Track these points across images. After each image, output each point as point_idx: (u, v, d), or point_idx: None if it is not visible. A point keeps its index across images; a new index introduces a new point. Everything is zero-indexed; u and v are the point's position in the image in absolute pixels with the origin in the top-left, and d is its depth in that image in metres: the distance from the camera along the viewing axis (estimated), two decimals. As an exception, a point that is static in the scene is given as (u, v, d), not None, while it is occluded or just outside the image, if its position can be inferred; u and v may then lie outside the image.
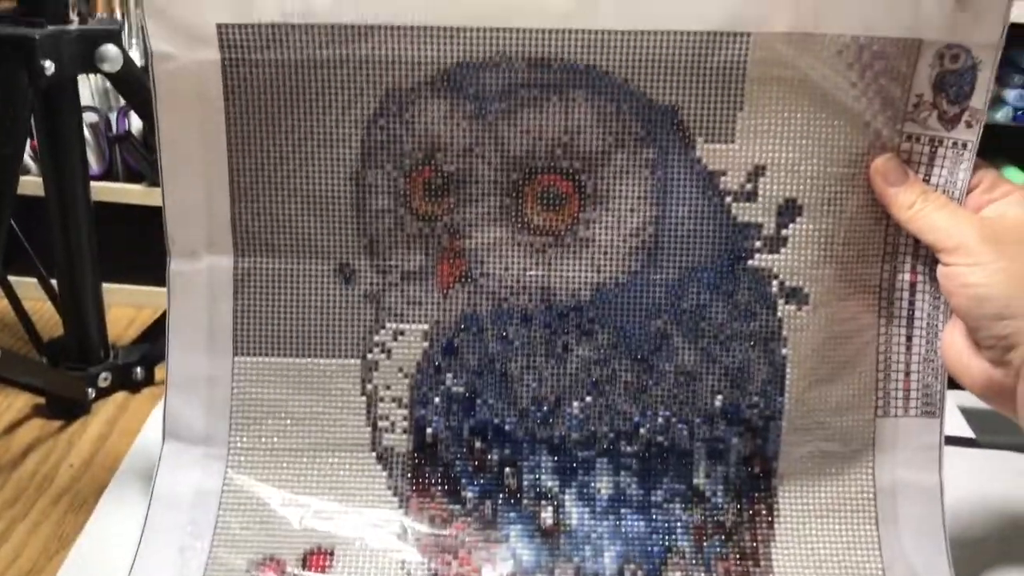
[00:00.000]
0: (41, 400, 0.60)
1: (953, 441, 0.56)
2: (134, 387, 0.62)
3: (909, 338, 0.46)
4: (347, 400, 0.46)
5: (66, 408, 0.59)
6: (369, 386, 0.47)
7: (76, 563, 0.46)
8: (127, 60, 0.56)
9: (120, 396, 0.62)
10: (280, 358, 0.46)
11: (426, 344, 0.47)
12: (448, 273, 0.46)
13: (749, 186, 0.44)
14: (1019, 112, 1.05)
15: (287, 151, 0.45)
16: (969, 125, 0.43)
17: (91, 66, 0.55)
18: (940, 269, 0.42)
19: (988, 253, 0.39)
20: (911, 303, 0.46)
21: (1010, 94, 1.04)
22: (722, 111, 0.44)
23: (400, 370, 0.47)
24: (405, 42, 0.43)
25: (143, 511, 0.45)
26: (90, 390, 0.60)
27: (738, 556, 0.45)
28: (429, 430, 0.47)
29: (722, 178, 0.44)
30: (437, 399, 0.47)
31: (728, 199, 0.45)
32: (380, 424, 0.46)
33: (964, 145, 0.43)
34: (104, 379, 0.61)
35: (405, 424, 0.46)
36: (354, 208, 0.45)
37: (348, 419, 0.46)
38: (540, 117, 0.44)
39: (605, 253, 0.45)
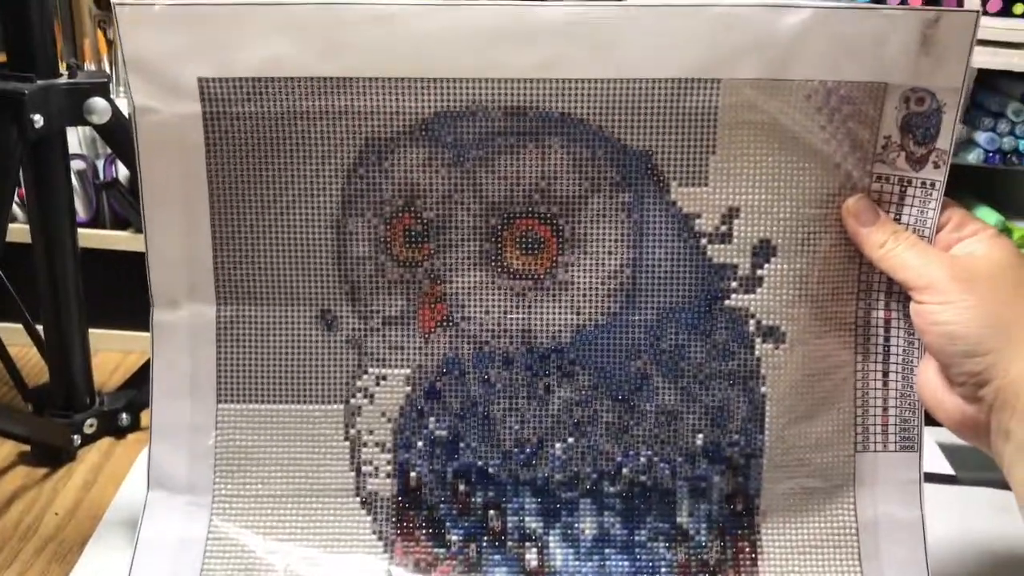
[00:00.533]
0: (26, 448, 0.59)
1: (933, 478, 0.57)
2: (120, 433, 0.62)
3: (885, 374, 0.47)
4: (330, 445, 0.47)
5: (51, 455, 0.59)
6: (352, 431, 0.47)
7: None
8: (115, 111, 0.57)
9: (105, 442, 0.61)
10: (263, 404, 0.47)
11: (408, 388, 0.47)
12: (429, 318, 0.46)
13: (724, 228, 0.45)
14: (990, 154, 1.06)
15: (268, 200, 0.45)
16: (936, 165, 0.44)
17: (79, 119, 0.56)
18: (912, 307, 0.42)
19: (958, 291, 0.40)
20: (886, 339, 0.46)
21: (981, 136, 1.06)
22: (695, 155, 0.44)
23: (383, 414, 0.47)
24: (384, 93, 0.44)
25: (128, 559, 0.45)
26: (75, 437, 0.60)
27: None
28: (413, 474, 0.47)
29: (697, 220, 0.45)
30: (420, 443, 0.47)
31: (703, 240, 0.45)
32: (364, 469, 0.47)
33: (932, 184, 0.44)
34: (90, 425, 0.60)
35: (389, 468, 0.47)
36: (335, 255, 0.46)
37: (332, 464, 0.47)
38: (517, 164, 0.45)
39: (584, 295, 0.46)
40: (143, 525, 0.45)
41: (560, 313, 0.46)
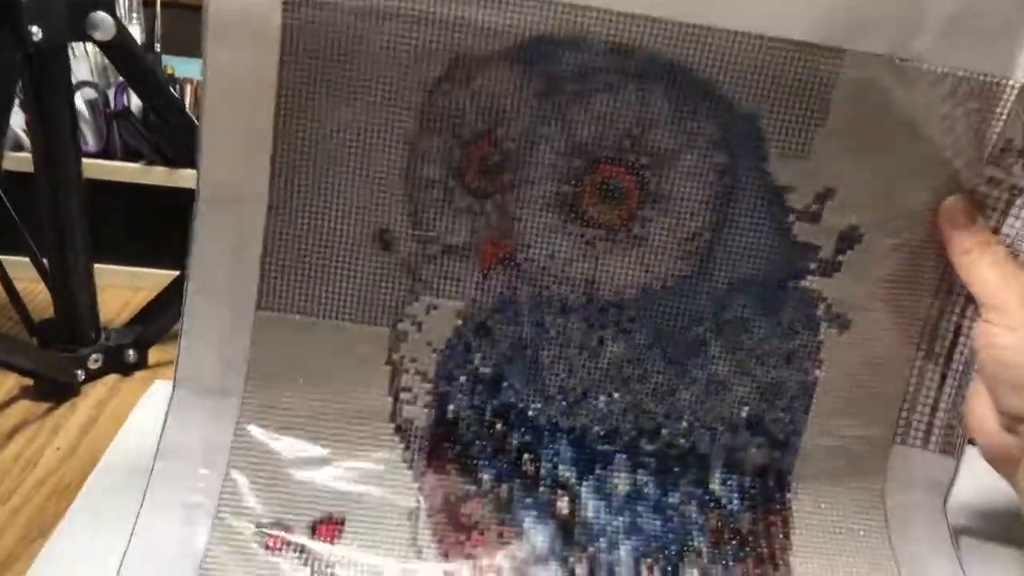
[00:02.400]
0: (29, 382, 0.57)
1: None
2: (126, 370, 0.60)
3: (944, 376, 0.46)
4: (371, 368, 0.45)
5: (55, 390, 0.57)
6: (395, 356, 0.45)
7: (55, 550, 0.43)
8: (121, 29, 0.52)
9: (111, 379, 0.59)
10: (305, 317, 0.44)
11: (459, 322, 0.45)
12: (491, 254, 0.44)
13: (815, 207, 0.43)
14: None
15: (340, 104, 0.42)
16: None
17: (82, 34, 0.51)
18: (978, 323, 0.41)
19: None
20: (953, 344, 0.45)
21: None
22: (802, 126, 0.42)
23: (429, 344, 0.45)
24: (483, 6, 0.40)
25: (128, 497, 0.43)
26: (79, 372, 0.58)
27: (756, 559, 0.45)
28: (451, 406, 0.46)
29: (789, 195, 0.43)
30: (463, 377, 0.45)
31: (791, 217, 0.43)
32: (402, 396, 0.45)
33: None
34: (95, 361, 0.58)
35: (428, 398, 0.45)
36: (403, 173, 0.43)
37: (370, 387, 0.45)
38: (613, 105, 0.41)
39: (657, 254, 0.44)
40: (167, 427, 0.44)
41: (628, 269, 0.44)
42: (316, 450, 0.45)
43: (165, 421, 0.44)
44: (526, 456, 0.46)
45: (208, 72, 0.41)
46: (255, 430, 0.45)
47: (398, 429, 0.45)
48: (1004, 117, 0.41)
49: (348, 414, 0.45)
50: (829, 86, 0.41)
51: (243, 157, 0.42)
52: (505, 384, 0.46)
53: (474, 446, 0.46)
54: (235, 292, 0.44)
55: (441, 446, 0.46)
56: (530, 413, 0.46)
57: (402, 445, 0.45)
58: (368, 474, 0.45)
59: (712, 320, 0.45)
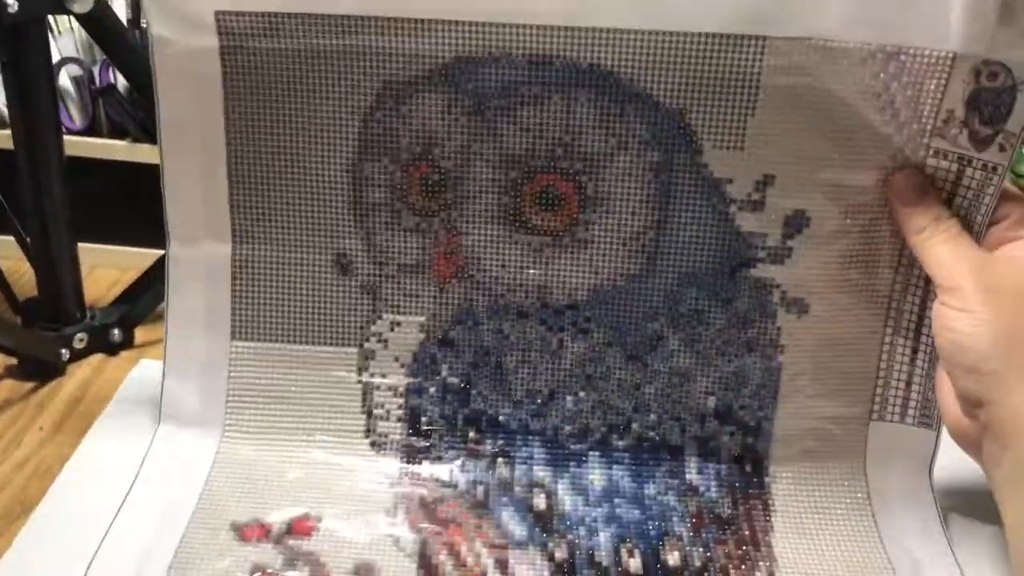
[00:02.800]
0: (13, 361, 0.56)
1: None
2: (112, 349, 0.59)
3: (915, 351, 0.45)
4: (343, 387, 0.47)
5: (40, 370, 0.56)
6: (365, 374, 0.47)
7: (36, 529, 0.44)
8: (100, 2, 0.52)
9: (96, 359, 0.58)
10: (277, 343, 0.47)
11: (423, 335, 0.47)
12: (445, 268, 0.45)
13: (756, 195, 0.43)
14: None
15: (285, 140, 0.44)
16: (1002, 148, 0.40)
17: (60, 6, 0.51)
18: (935, 304, 0.40)
19: (979, 303, 0.37)
20: (919, 318, 0.44)
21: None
22: (732, 117, 0.41)
23: (396, 359, 0.47)
24: (403, 35, 0.41)
25: (108, 480, 0.44)
26: (64, 351, 0.56)
27: (737, 541, 0.45)
28: (423, 418, 0.47)
29: (728, 186, 0.43)
30: (432, 389, 0.47)
31: (733, 208, 0.43)
32: (375, 412, 0.47)
33: (994, 169, 0.40)
34: (80, 340, 0.57)
35: (400, 412, 0.47)
36: (351, 200, 0.45)
37: (344, 405, 0.47)
38: (541, 116, 0.42)
39: (604, 255, 0.44)
40: (151, 452, 0.46)
41: (578, 271, 0.45)
42: (294, 460, 0.47)
43: (148, 449, 0.47)
44: (500, 460, 0.47)
45: (162, 119, 0.44)
46: (236, 446, 0.47)
47: (373, 444, 0.47)
48: (943, 89, 0.40)
49: (325, 431, 0.47)
50: (754, 75, 0.40)
51: (204, 197, 0.45)
52: (474, 392, 0.47)
53: (448, 454, 0.48)
54: (211, 325, 0.47)
55: (416, 457, 0.48)
56: (501, 418, 0.47)
57: (378, 459, 0.47)
58: (345, 480, 0.46)
59: (667, 315, 0.45)
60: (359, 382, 0.47)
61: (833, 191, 0.42)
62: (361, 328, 0.47)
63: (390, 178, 0.44)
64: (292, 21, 0.41)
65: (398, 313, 0.46)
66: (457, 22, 0.41)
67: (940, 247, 0.40)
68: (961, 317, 0.38)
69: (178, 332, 0.47)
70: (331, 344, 0.47)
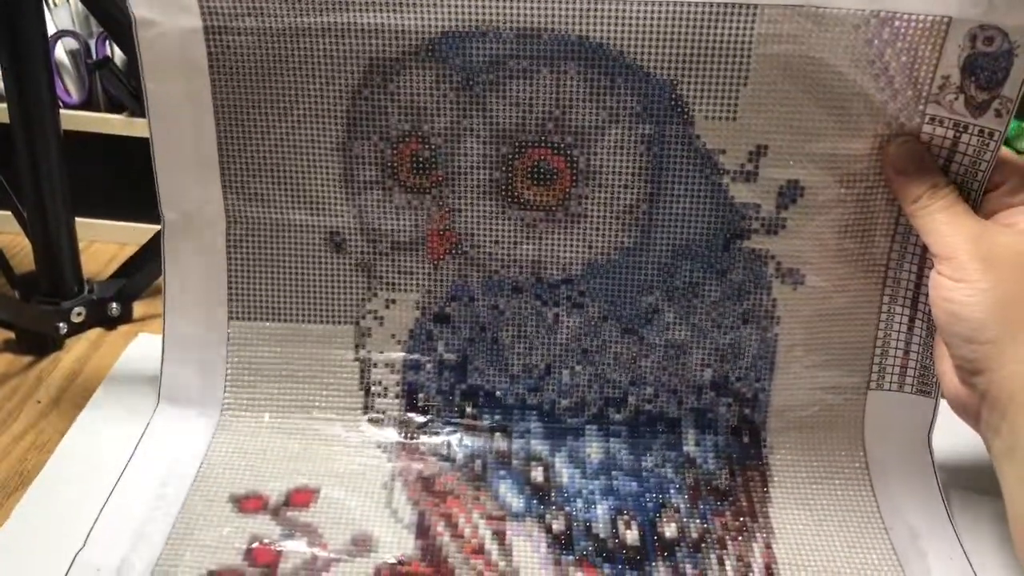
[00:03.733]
0: (11, 335, 0.57)
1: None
2: (110, 323, 0.59)
3: (912, 320, 0.45)
4: (341, 365, 0.47)
5: (37, 343, 0.56)
6: (362, 351, 0.47)
7: (34, 501, 0.44)
8: None
9: (94, 333, 0.58)
10: (274, 323, 0.47)
11: (418, 312, 0.47)
12: (438, 245, 0.45)
13: (749, 166, 0.42)
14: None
15: (274, 120, 0.43)
16: (999, 114, 0.39)
17: None
18: (931, 273, 0.40)
19: (975, 272, 0.37)
20: (916, 287, 0.44)
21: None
22: (724, 87, 0.41)
23: (393, 337, 0.47)
24: (388, 11, 0.41)
25: (107, 452, 0.45)
26: (62, 325, 0.56)
27: (734, 512, 0.45)
28: (421, 395, 0.48)
29: (721, 156, 0.42)
30: (429, 365, 0.47)
31: (726, 179, 0.42)
32: (373, 389, 0.48)
33: (991, 134, 0.39)
34: (77, 314, 0.57)
35: (397, 389, 0.48)
36: (342, 178, 0.44)
37: (341, 383, 0.48)
38: (530, 89, 0.42)
39: (597, 229, 0.44)
40: (150, 427, 0.47)
41: (571, 246, 0.45)
42: (292, 441, 0.47)
43: (148, 423, 0.47)
44: (498, 435, 0.48)
45: (150, 104, 0.43)
46: (234, 420, 0.47)
47: (371, 421, 0.48)
48: (938, 54, 0.39)
49: (323, 408, 0.48)
50: (746, 45, 0.40)
51: (197, 178, 0.45)
52: (470, 367, 0.47)
53: (446, 429, 0.48)
54: (208, 306, 0.47)
55: (414, 432, 0.48)
56: (497, 393, 0.48)
57: (376, 435, 0.48)
58: (343, 455, 0.47)
59: (662, 287, 0.45)
60: (356, 359, 0.47)
61: (827, 160, 0.42)
62: (357, 306, 0.47)
63: (380, 156, 0.44)
64: (274, 0, 0.41)
65: (393, 290, 0.47)
66: (442, -3, 0.40)
67: (937, 215, 0.39)
68: (958, 287, 0.38)
69: (176, 313, 0.47)
70: (327, 322, 0.47)
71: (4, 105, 0.53)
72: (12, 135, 0.53)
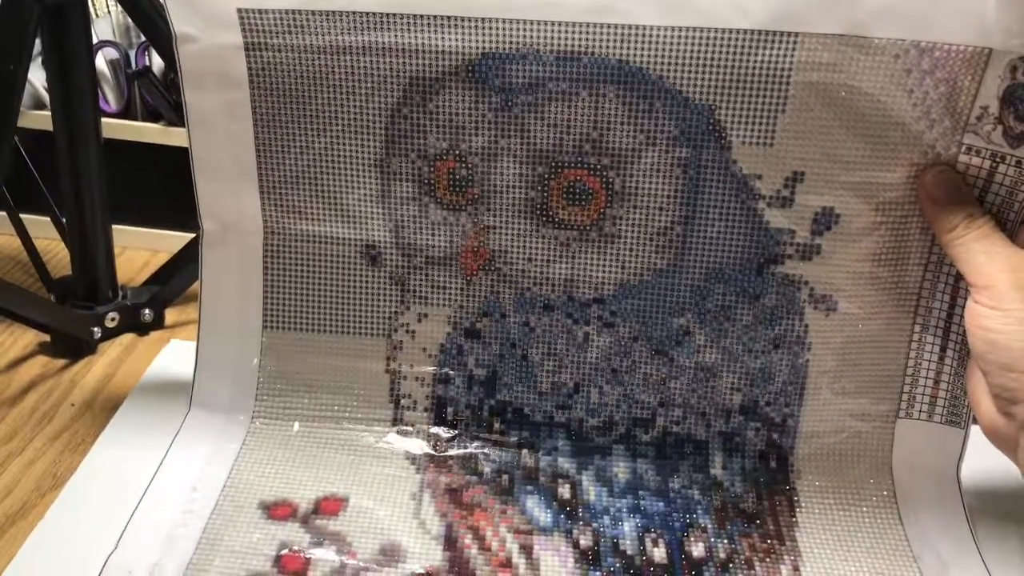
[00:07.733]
0: (47, 338, 0.58)
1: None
2: (143, 329, 0.60)
3: (943, 349, 0.45)
4: (371, 376, 0.48)
5: (72, 347, 0.58)
6: (393, 364, 0.48)
7: (68, 502, 0.45)
8: None
9: (128, 338, 0.59)
10: (308, 333, 0.48)
11: (449, 328, 0.47)
12: (472, 261, 0.46)
13: (785, 192, 0.42)
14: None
15: (313, 134, 0.44)
16: None
17: None
18: (968, 302, 0.40)
19: (1014, 301, 0.37)
20: (949, 316, 0.44)
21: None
22: (762, 113, 0.41)
23: (424, 350, 0.48)
24: (429, 32, 0.41)
25: (139, 456, 0.46)
26: (96, 329, 0.58)
27: (762, 535, 0.45)
28: (450, 409, 0.48)
29: (757, 182, 0.42)
30: (459, 380, 0.48)
31: (761, 204, 0.43)
32: (403, 401, 0.48)
33: None
34: (112, 319, 0.58)
35: (427, 403, 0.48)
36: (379, 193, 0.45)
37: (372, 395, 0.48)
38: (568, 111, 0.42)
39: (631, 250, 0.44)
40: (182, 429, 0.48)
41: (604, 266, 0.45)
42: (322, 451, 0.48)
43: (180, 428, 0.48)
44: (525, 451, 0.48)
45: (189, 115, 0.44)
46: (265, 427, 0.48)
47: (400, 434, 0.48)
48: (977, 85, 0.39)
49: (353, 420, 0.48)
50: (785, 72, 0.40)
51: (235, 190, 0.46)
52: (499, 383, 0.48)
53: (474, 444, 0.48)
54: (242, 315, 0.48)
55: (442, 446, 0.48)
56: (526, 410, 0.48)
57: (405, 447, 0.48)
58: (372, 466, 0.47)
59: (694, 310, 0.45)
60: (387, 371, 0.48)
61: (863, 188, 0.42)
62: (389, 319, 0.47)
63: (418, 173, 0.44)
64: (315, 18, 0.42)
65: (426, 305, 0.47)
66: (483, 19, 0.41)
67: (973, 245, 0.39)
68: (996, 315, 0.38)
69: (211, 320, 0.48)
70: (360, 334, 0.48)
71: (47, 112, 0.54)
72: (55, 143, 0.54)
